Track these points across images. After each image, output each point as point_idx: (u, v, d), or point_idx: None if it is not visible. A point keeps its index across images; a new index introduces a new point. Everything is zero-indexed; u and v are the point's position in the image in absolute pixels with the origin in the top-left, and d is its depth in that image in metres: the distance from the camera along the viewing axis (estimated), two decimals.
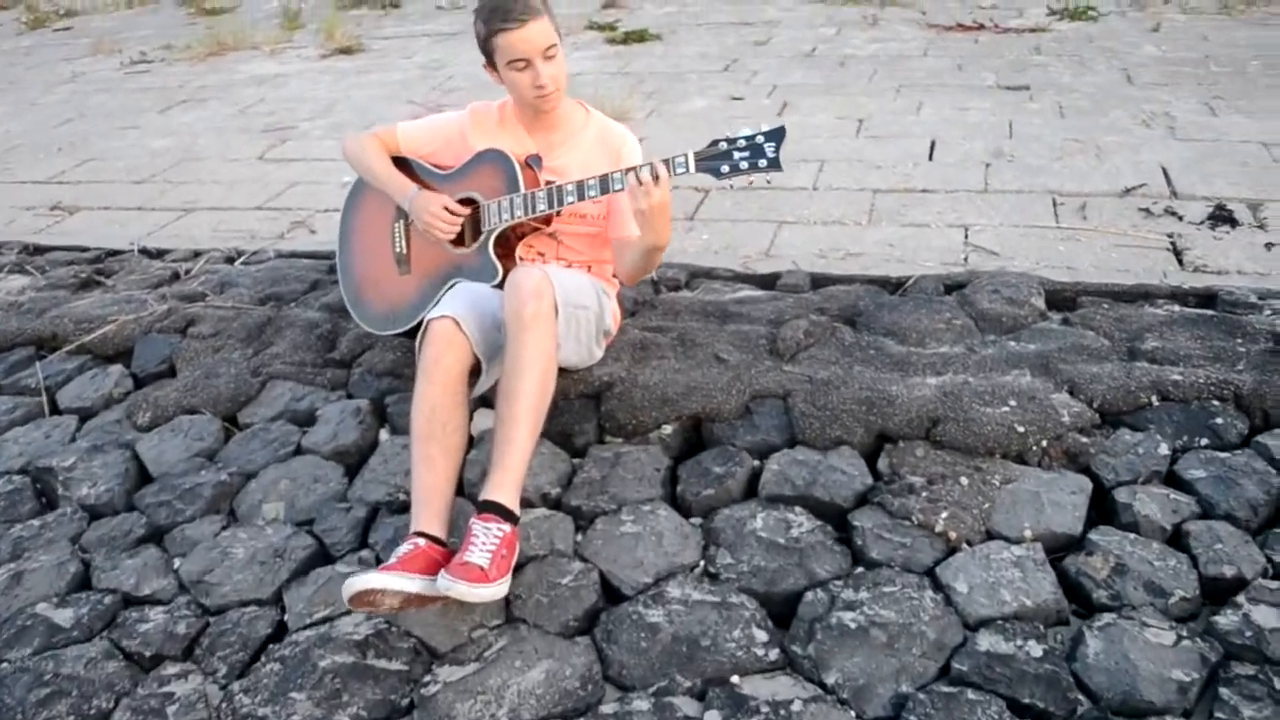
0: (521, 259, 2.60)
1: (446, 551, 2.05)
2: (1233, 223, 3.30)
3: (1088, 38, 5.89)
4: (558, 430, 2.54)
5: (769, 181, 2.28)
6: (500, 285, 2.48)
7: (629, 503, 2.32)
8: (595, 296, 2.53)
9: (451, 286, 2.55)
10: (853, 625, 1.92)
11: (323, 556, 2.30)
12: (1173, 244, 3.22)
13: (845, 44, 6.25)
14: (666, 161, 2.27)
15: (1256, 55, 5.22)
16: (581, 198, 2.39)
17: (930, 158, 4.13)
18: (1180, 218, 3.38)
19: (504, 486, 2.08)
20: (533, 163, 2.54)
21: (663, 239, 2.34)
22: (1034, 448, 2.32)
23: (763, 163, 2.25)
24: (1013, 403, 2.42)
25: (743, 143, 2.26)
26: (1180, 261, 3.11)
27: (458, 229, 2.53)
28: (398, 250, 2.71)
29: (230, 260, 3.77)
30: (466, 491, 2.36)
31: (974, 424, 2.34)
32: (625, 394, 2.58)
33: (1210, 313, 2.79)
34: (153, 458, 2.68)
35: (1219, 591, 1.98)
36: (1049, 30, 6.14)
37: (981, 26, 6.34)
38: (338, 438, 2.67)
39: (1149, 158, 3.90)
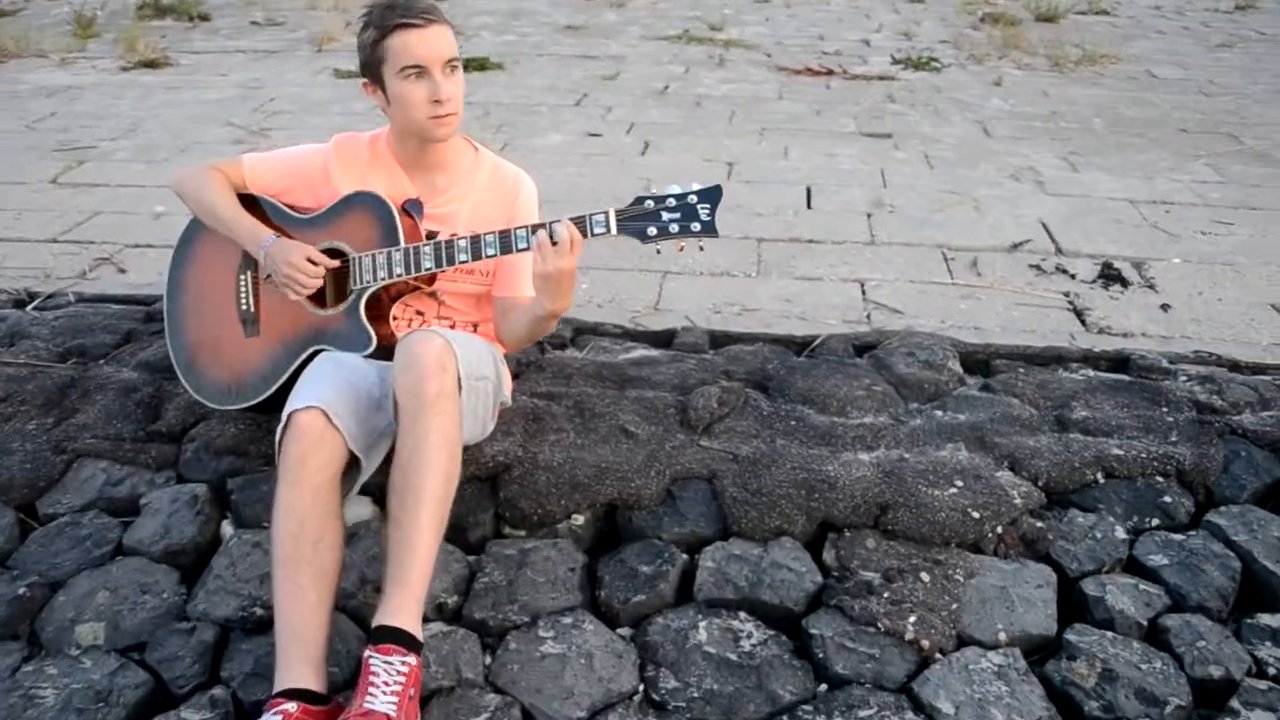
0: (395, 319, 2.21)
1: (328, 710, 1.62)
2: (1123, 282, 3.28)
3: (935, 88, 5.97)
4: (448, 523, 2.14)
5: (701, 249, 1.95)
6: (375, 355, 2.08)
7: (544, 613, 1.96)
8: (493, 364, 2.16)
9: (311, 355, 2.12)
10: None
11: (162, 698, 1.81)
12: (1071, 303, 3.15)
13: (696, 83, 6.10)
14: (579, 220, 1.93)
15: (1097, 113, 5.41)
16: (477, 256, 2.02)
17: (809, 205, 3.98)
18: (1072, 276, 3.33)
19: (405, 608, 1.68)
20: (412, 209, 2.16)
21: (564, 306, 2.00)
22: (989, 534, 2.12)
23: (696, 226, 1.93)
24: (959, 483, 2.21)
25: (672, 202, 1.94)
26: (1083, 322, 3.03)
27: (319, 284, 2.10)
28: (244, 308, 2.24)
29: (20, 305, 3.14)
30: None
31: (926, 510, 2.12)
32: (526, 478, 2.21)
33: (1127, 378, 2.70)
34: None
35: (1207, 694, 1.82)
36: (897, 79, 6.20)
37: (830, 72, 6.35)
38: (170, 534, 2.17)
39: (1027, 212, 3.88)
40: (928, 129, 5.11)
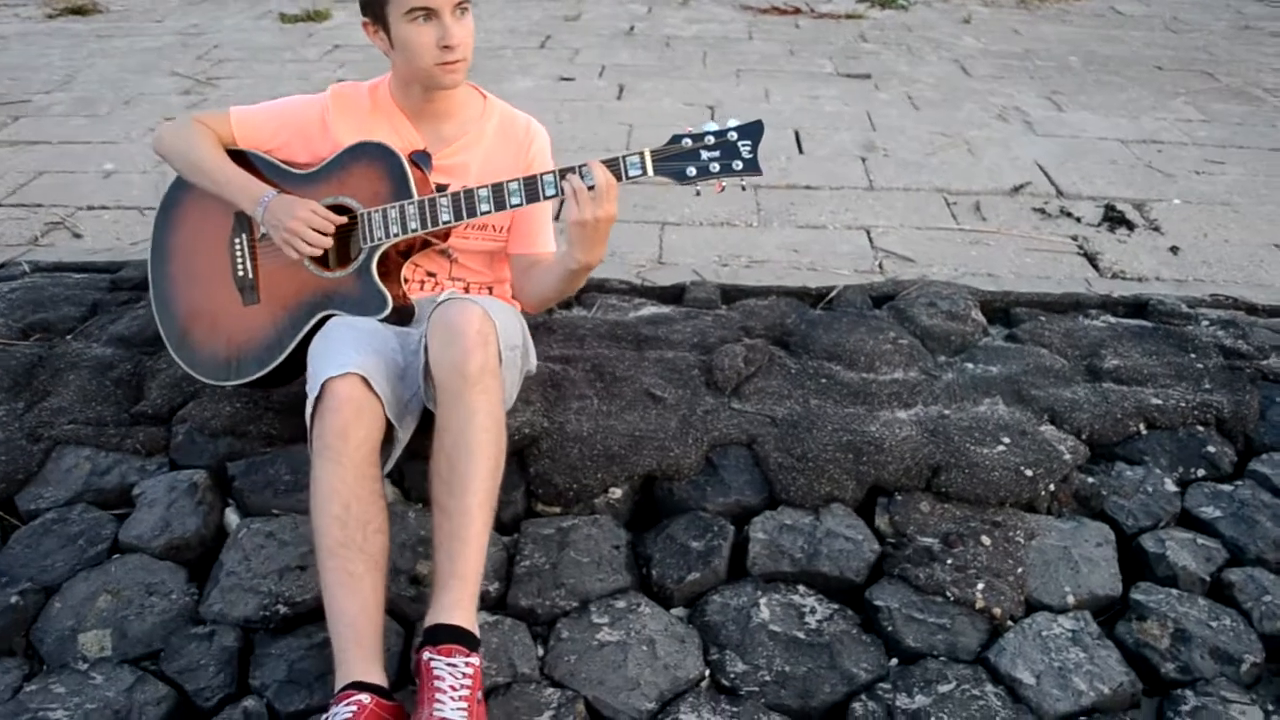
0: (406, 281, 2.05)
1: (395, 706, 1.49)
2: (1128, 225, 3.22)
3: (906, 27, 5.85)
4: None
5: (744, 188, 1.83)
6: (391, 319, 1.93)
7: (594, 597, 1.84)
8: (520, 330, 2.02)
9: (319, 322, 1.95)
10: None
11: (187, 713, 1.66)
12: (1081, 248, 3.09)
13: (662, 23, 5.89)
14: (611, 163, 1.79)
15: (1072, 51, 5.34)
16: (501, 207, 1.86)
17: (800, 150, 3.85)
18: (1077, 219, 3.27)
19: (462, 604, 1.56)
20: (420, 160, 1.99)
21: (599, 257, 1.87)
22: (1043, 493, 2.05)
23: (738, 165, 1.81)
24: (1006, 440, 2.13)
25: (711, 139, 1.80)
26: (1096, 267, 2.97)
27: (329, 242, 1.93)
28: (240, 274, 2.06)
29: None
30: None
31: (979, 470, 2.04)
32: (557, 451, 2.08)
33: (1149, 324, 2.64)
34: None
35: (1274, 648, 1.78)
36: (865, 17, 6.07)
37: (797, 10, 6.18)
38: (171, 527, 1.99)
39: (1021, 154, 3.80)
40: (905, 69, 4.99)
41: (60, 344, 2.51)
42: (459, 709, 1.42)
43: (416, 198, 1.90)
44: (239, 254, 2.06)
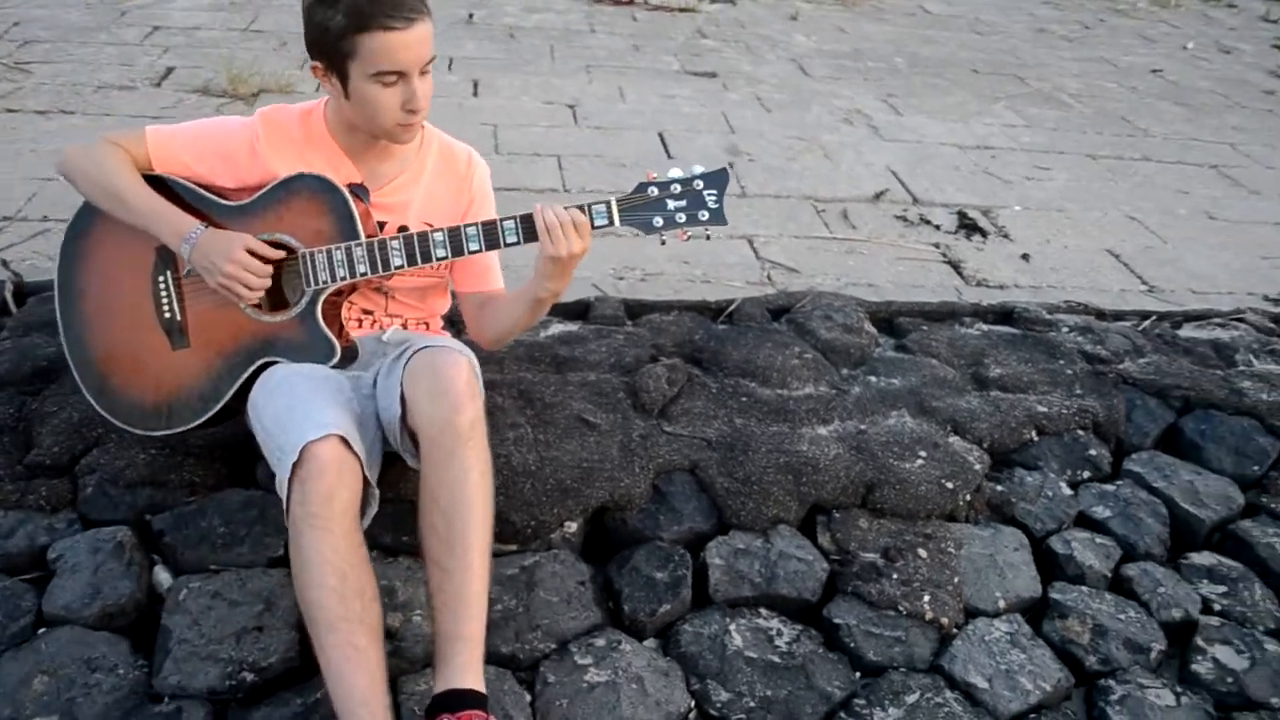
0: (345, 320, 1.99)
1: None
2: (981, 232, 3.50)
3: (739, 23, 6.03)
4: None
5: (707, 237, 1.88)
6: (339, 364, 1.87)
7: (571, 637, 1.87)
8: (476, 369, 2.00)
9: (261, 367, 1.86)
10: None
11: None
12: (944, 255, 3.33)
13: (501, 11, 5.80)
14: (581, 207, 1.80)
15: (896, 52, 5.67)
16: (459, 253, 1.83)
17: (668, 154, 3.93)
18: (936, 226, 3.52)
19: (472, 665, 1.56)
20: (358, 193, 1.92)
21: (566, 285, 1.87)
22: (961, 503, 2.23)
23: (704, 215, 1.83)
24: (923, 454, 2.31)
25: (677, 188, 1.82)
26: (961, 275, 3.22)
27: (266, 284, 1.84)
28: (166, 315, 1.92)
29: None
30: None
31: (907, 485, 2.20)
32: (509, 487, 2.07)
33: (1018, 331, 2.90)
34: None
35: (1172, 634, 2.03)
36: (698, 11, 6.19)
37: (632, 1, 6.23)
38: (102, 593, 1.85)
39: (874, 160, 4.03)
40: (749, 68, 5.15)
41: None
42: None
43: (364, 239, 1.83)
44: (164, 293, 1.92)
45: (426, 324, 2.14)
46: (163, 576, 1.95)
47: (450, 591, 1.58)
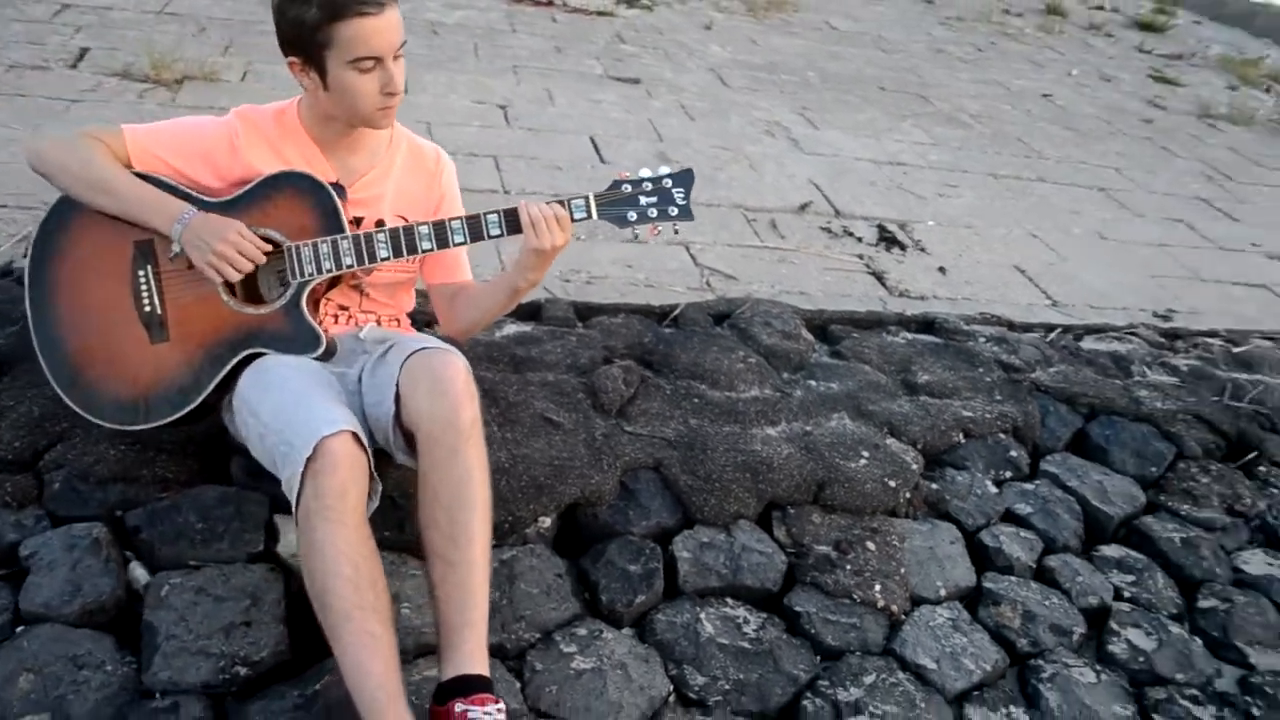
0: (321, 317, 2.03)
1: None
2: (900, 245, 3.72)
3: (656, 29, 6.15)
4: (413, 541, 2.03)
5: (676, 232, 2.01)
6: (321, 357, 1.91)
7: (553, 626, 1.96)
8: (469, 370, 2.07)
9: (245, 360, 1.90)
10: None
11: None
12: (867, 266, 3.53)
13: (422, 6, 5.78)
14: (561, 202, 1.91)
15: (808, 66, 5.90)
16: (444, 244, 1.91)
17: (602, 159, 4.02)
18: (859, 239, 3.72)
19: (478, 652, 1.63)
20: (337, 192, 1.97)
21: (543, 277, 1.99)
22: (902, 500, 2.41)
23: (673, 211, 1.98)
24: (865, 454, 2.48)
25: (648, 186, 1.96)
26: (885, 285, 3.42)
27: (259, 262, 1.87)
28: (147, 309, 1.92)
29: None
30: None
31: (855, 483, 2.36)
32: None
33: (940, 341, 3.12)
34: None
35: (1090, 619, 2.25)
36: (616, 15, 6.30)
37: (551, 2, 6.29)
38: (82, 590, 1.84)
39: (796, 172, 4.21)
40: (669, 75, 5.29)
41: None
42: None
43: (350, 233, 1.89)
44: (144, 286, 1.92)
45: (397, 320, 2.19)
46: (139, 573, 1.95)
47: (455, 583, 1.65)
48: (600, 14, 6.28)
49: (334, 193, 1.89)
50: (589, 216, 1.92)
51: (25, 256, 2.00)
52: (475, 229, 1.90)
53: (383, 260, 1.90)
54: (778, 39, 6.43)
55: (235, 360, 1.90)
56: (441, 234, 1.89)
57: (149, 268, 1.92)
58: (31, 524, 1.97)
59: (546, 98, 4.63)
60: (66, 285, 1.96)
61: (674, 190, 1.97)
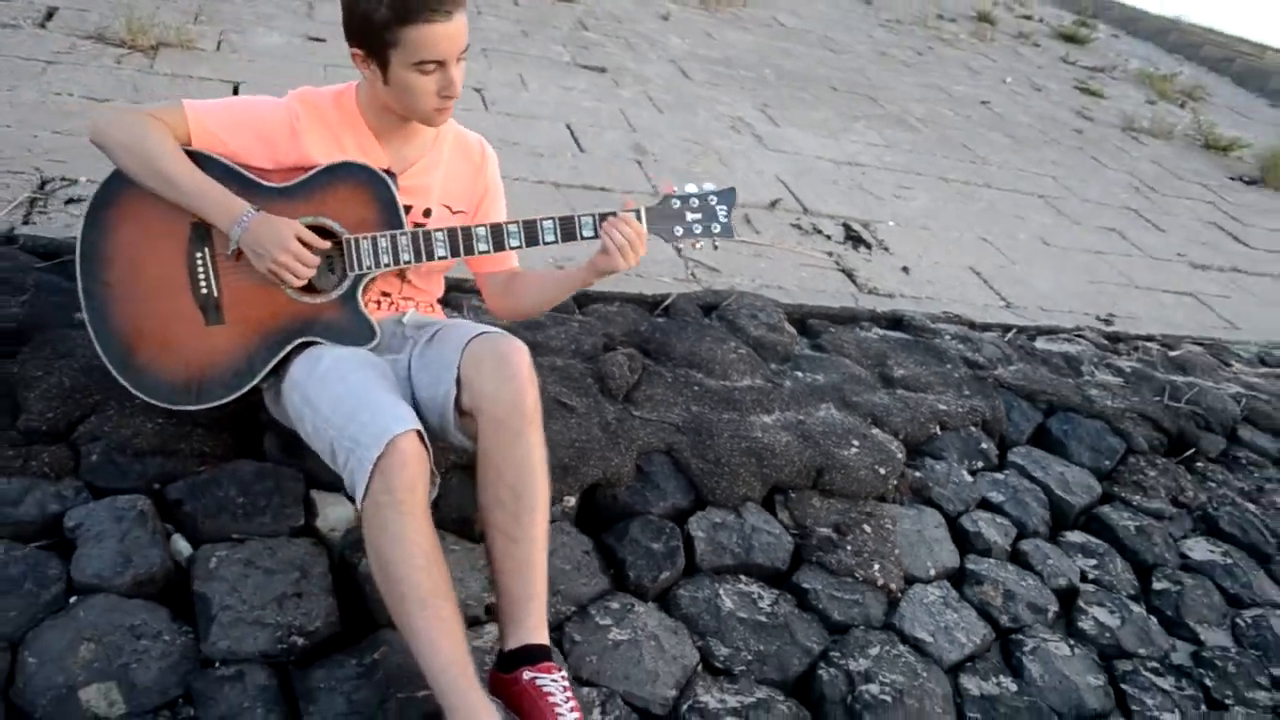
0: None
1: None
2: (866, 244, 3.91)
3: (614, 18, 6.23)
4: (452, 518, 2.13)
5: (715, 247, 2.14)
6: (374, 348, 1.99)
7: (586, 600, 2.08)
8: None
9: (298, 346, 1.96)
10: (885, 698, 2.02)
11: None
12: (837, 263, 3.71)
13: None
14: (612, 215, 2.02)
15: (762, 62, 6.06)
16: (501, 247, 2.00)
17: (580, 148, 4.11)
18: (827, 236, 3.90)
19: (542, 624, 1.75)
20: (390, 179, 2.04)
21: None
22: (890, 486, 2.59)
23: (716, 228, 2.10)
24: (856, 443, 2.65)
25: (695, 202, 2.08)
26: (855, 283, 3.61)
27: (313, 272, 1.94)
28: (203, 291, 1.97)
29: None
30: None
31: (850, 470, 2.53)
32: None
33: (910, 337, 3.32)
34: None
35: (1060, 599, 2.47)
36: (576, 2, 6.35)
37: None
38: (133, 561, 1.88)
39: (764, 168, 4.37)
40: (633, 65, 5.39)
41: None
42: (574, 716, 1.62)
43: (408, 229, 1.96)
44: (200, 269, 1.96)
45: (432, 305, 2.26)
46: (181, 545, 1.99)
47: (519, 558, 1.76)
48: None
49: (393, 186, 1.96)
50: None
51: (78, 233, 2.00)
52: (531, 235, 1.99)
53: (439, 258, 1.97)
54: (732, 33, 6.58)
55: (290, 348, 1.95)
56: (499, 237, 1.97)
57: (206, 250, 1.95)
58: (72, 495, 1.99)
59: (519, 82, 4.69)
60: (120, 263, 1.97)
61: (718, 207, 2.08)
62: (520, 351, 1.85)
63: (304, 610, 1.87)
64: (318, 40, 4.54)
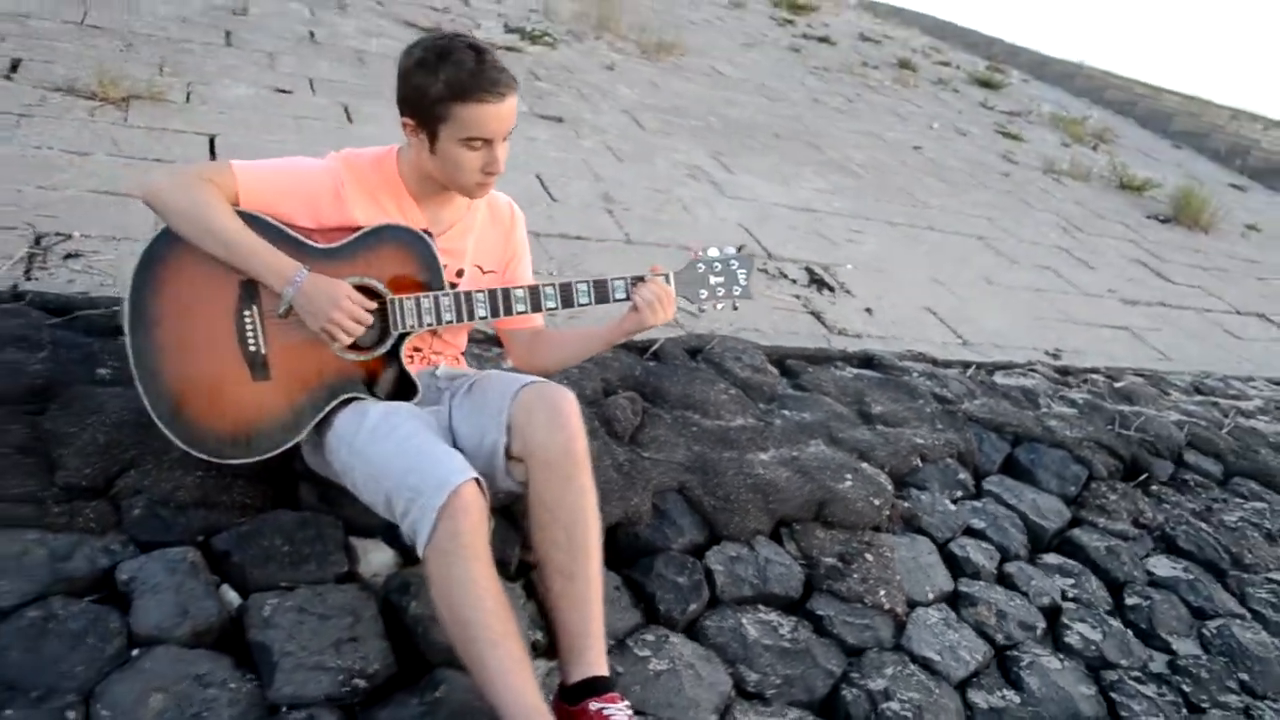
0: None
1: None
2: (829, 287, 4.12)
3: (564, 68, 6.41)
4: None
5: (735, 308, 2.30)
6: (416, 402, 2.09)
7: (622, 634, 2.18)
8: None
9: (343, 402, 2.05)
10: (906, 714, 2.16)
11: None
12: (805, 306, 3.91)
13: (337, 32, 5.83)
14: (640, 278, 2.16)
15: (709, 110, 6.29)
16: (538, 308, 2.13)
17: (552, 197, 4.25)
18: (793, 280, 4.09)
19: (602, 655, 1.86)
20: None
21: None
22: (884, 516, 2.76)
23: (736, 290, 2.25)
24: (849, 477, 2.82)
25: (718, 266, 2.23)
26: (824, 324, 3.80)
27: (362, 331, 2.03)
28: (251, 349, 2.04)
29: None
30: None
31: (848, 502, 2.69)
32: None
33: (881, 375, 3.52)
34: None
35: (1047, 615, 2.66)
36: (523, 52, 6.51)
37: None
38: (189, 613, 1.93)
39: (726, 215, 4.57)
40: (589, 116, 5.56)
41: None
42: None
43: (450, 290, 2.07)
44: (249, 327, 2.03)
45: (458, 358, 2.36)
46: (230, 595, 2.05)
47: (576, 595, 1.86)
48: (509, 49, 6.47)
49: (435, 248, 2.06)
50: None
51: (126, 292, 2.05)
52: (567, 296, 2.11)
53: (479, 319, 2.08)
54: (676, 82, 6.81)
55: (335, 403, 2.04)
56: (536, 299, 2.10)
57: (255, 308, 2.02)
58: (119, 549, 2.03)
59: None
60: (169, 320, 2.03)
61: (738, 271, 2.24)
62: (570, 400, 1.97)
63: (360, 654, 1.94)
64: (284, 92, 4.60)
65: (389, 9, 6.67)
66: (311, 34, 5.64)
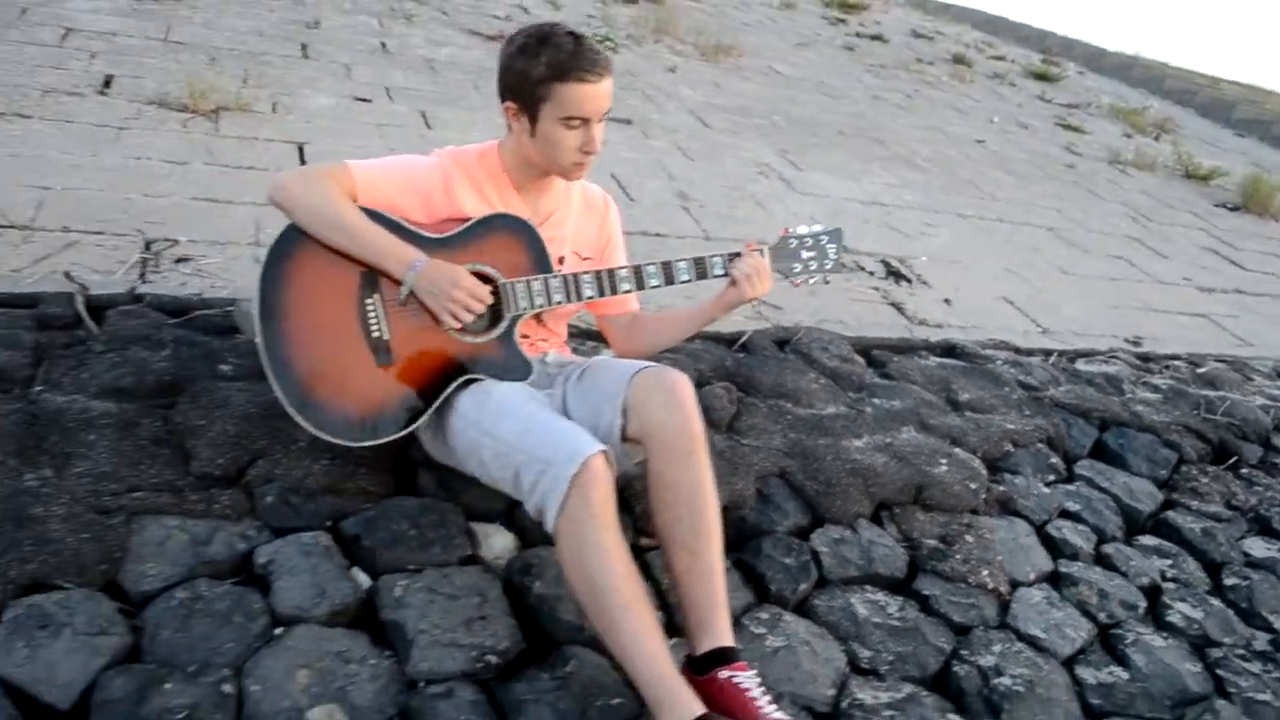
0: None
1: None
2: (907, 279, 4.14)
3: (628, 72, 6.48)
4: None
5: (827, 282, 2.35)
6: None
7: (738, 611, 2.22)
8: None
9: (462, 384, 2.13)
10: (1018, 689, 2.19)
11: None
12: (884, 297, 3.93)
13: (407, 43, 5.96)
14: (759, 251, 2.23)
15: (772, 110, 6.33)
16: (641, 285, 2.20)
17: (630, 198, 4.32)
18: (870, 273, 4.12)
19: (728, 626, 1.92)
20: None
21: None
22: (981, 500, 2.79)
23: (827, 265, 2.33)
24: (944, 462, 2.84)
25: (810, 241, 2.30)
26: (905, 315, 3.82)
27: (483, 309, 2.11)
28: (374, 333, 2.13)
29: None
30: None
31: (946, 486, 2.72)
32: None
33: (965, 364, 3.54)
34: (35, 679, 1.72)
35: (1148, 595, 2.66)
36: None
37: None
38: (327, 594, 2.01)
39: (798, 210, 4.61)
40: (656, 117, 5.63)
41: (42, 398, 2.29)
42: (776, 710, 1.78)
43: (558, 272, 2.15)
44: (372, 314, 2.12)
45: (562, 347, 2.44)
46: (361, 577, 2.13)
47: (701, 570, 1.92)
48: None
49: (540, 234, 2.14)
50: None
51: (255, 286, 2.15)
52: (669, 274, 2.18)
53: (587, 298, 2.16)
54: (737, 83, 6.86)
55: (455, 384, 2.12)
56: (640, 277, 2.17)
57: (377, 296, 2.12)
58: (255, 534, 2.13)
59: None
60: (297, 311, 2.13)
61: (828, 246, 2.31)
62: (685, 383, 2.03)
63: (490, 631, 2.01)
64: (364, 100, 4.73)
65: (453, 19, 6.81)
66: (383, 45, 5.77)
